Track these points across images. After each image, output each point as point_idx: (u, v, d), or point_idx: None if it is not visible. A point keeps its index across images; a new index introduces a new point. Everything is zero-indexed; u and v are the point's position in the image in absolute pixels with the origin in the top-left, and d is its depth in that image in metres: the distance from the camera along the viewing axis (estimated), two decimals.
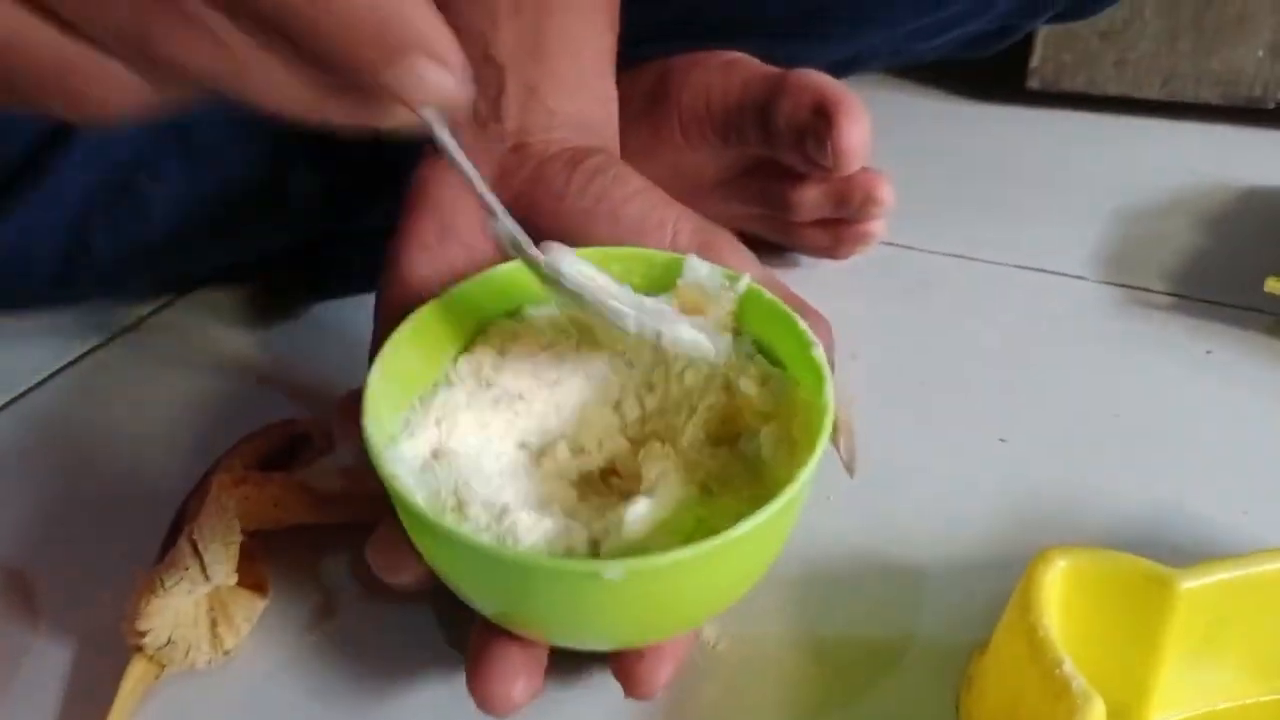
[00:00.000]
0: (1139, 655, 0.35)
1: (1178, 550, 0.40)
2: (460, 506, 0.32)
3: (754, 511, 0.29)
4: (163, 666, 0.37)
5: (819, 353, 0.35)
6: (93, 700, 0.36)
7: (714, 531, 0.29)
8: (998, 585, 0.37)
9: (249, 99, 0.25)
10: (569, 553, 0.32)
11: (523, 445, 0.37)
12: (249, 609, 0.39)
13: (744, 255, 0.41)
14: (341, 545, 0.43)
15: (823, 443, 0.32)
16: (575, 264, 0.33)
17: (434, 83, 0.25)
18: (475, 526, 0.32)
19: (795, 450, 0.34)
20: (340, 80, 0.25)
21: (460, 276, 0.38)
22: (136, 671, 0.36)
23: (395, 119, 0.27)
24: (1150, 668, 0.35)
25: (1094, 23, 0.74)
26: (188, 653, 0.37)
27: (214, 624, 0.38)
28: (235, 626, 0.38)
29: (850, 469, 0.36)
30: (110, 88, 0.24)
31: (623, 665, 0.33)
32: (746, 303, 0.37)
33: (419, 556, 0.33)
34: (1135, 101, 0.79)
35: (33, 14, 0.23)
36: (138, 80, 0.24)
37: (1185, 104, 0.79)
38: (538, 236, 0.41)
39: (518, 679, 0.32)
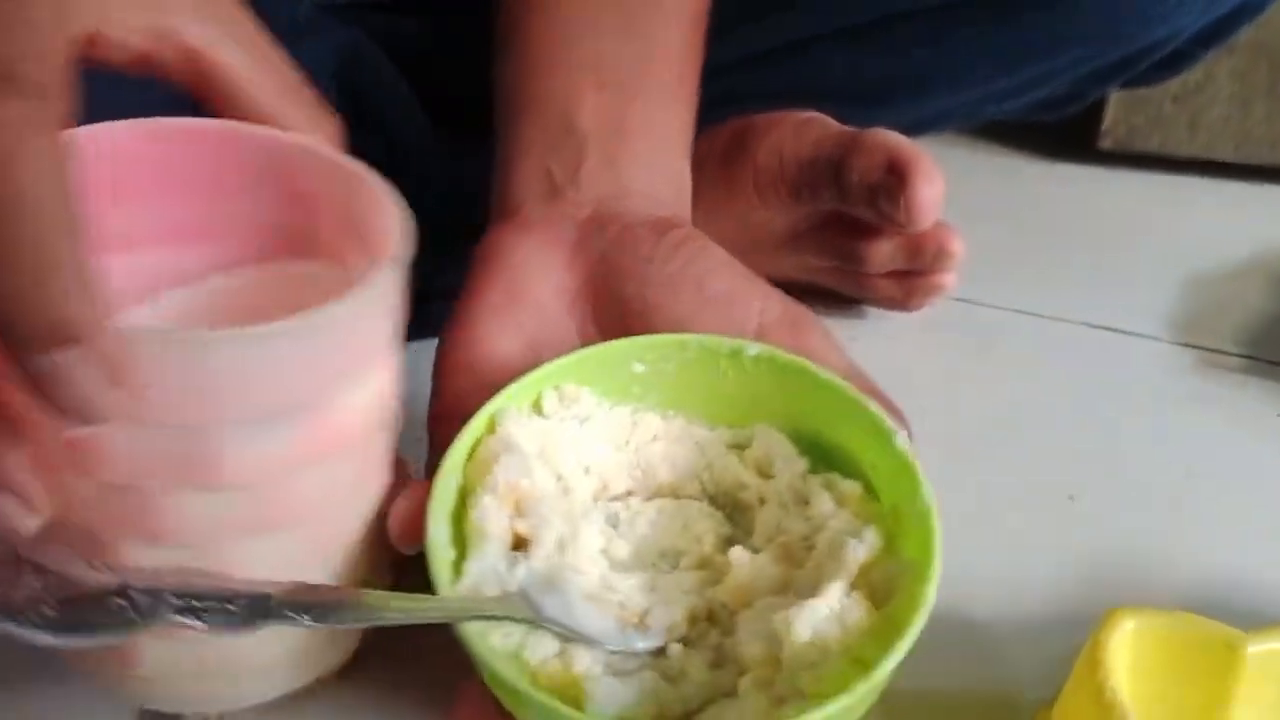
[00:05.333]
0: (1205, 717, 0.35)
1: (1247, 614, 0.40)
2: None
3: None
4: None
5: (902, 441, 0.35)
6: None
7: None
8: (1065, 644, 0.37)
9: None
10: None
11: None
12: None
13: (829, 342, 0.40)
14: None
15: (938, 555, 0.32)
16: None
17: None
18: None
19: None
20: None
21: (528, 337, 0.38)
22: None
23: None
24: None
25: (1167, 86, 0.74)
26: None
27: None
28: None
29: None
30: None
31: None
32: (819, 396, 0.37)
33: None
34: (1209, 164, 0.79)
35: None
36: None
37: (1260, 167, 0.79)
38: (620, 303, 0.41)
39: None
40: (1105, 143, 0.80)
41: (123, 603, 0.23)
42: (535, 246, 0.41)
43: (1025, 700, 0.39)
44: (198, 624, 0.24)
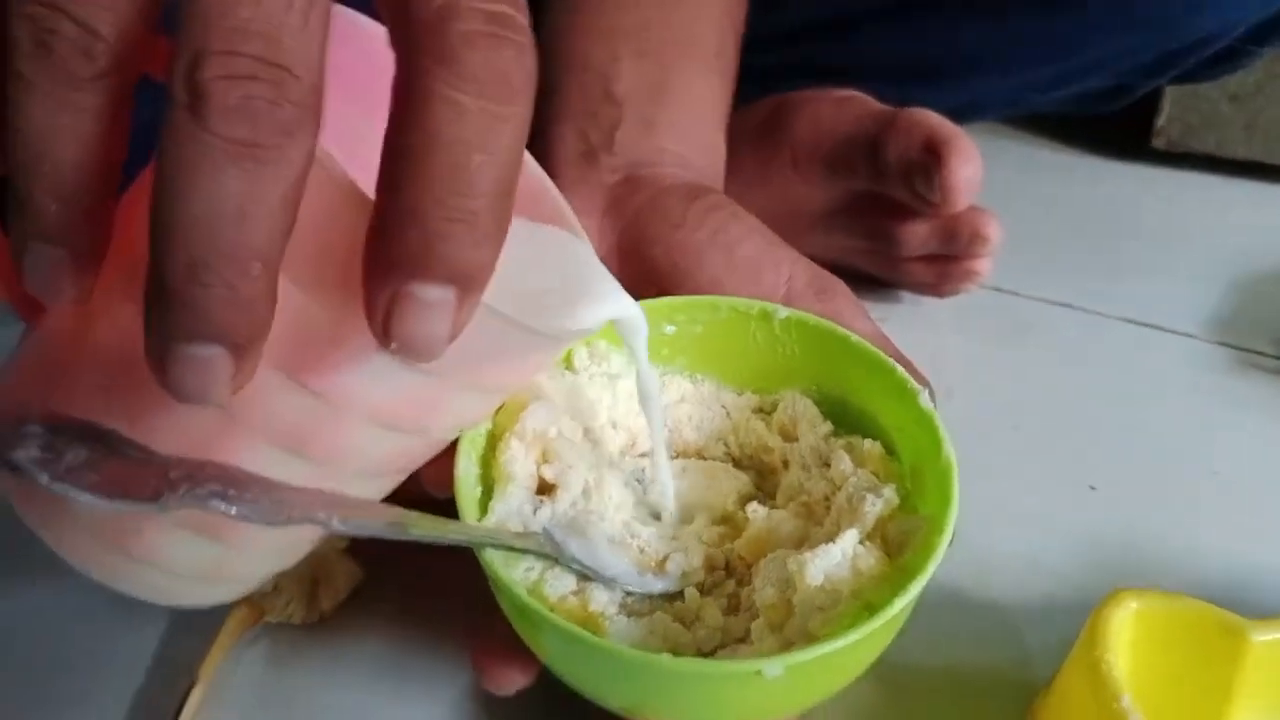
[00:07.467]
0: (1206, 704, 0.34)
1: (1262, 610, 0.39)
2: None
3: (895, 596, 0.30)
4: (263, 613, 0.40)
5: (926, 400, 0.35)
6: (198, 634, 0.40)
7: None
8: (1073, 627, 0.37)
9: None
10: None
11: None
12: (350, 576, 0.42)
13: (858, 308, 0.41)
14: None
15: (954, 508, 0.32)
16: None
17: None
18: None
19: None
20: None
21: None
22: (240, 613, 0.39)
23: None
24: (1217, 718, 0.34)
25: (1224, 85, 0.73)
26: (288, 604, 0.39)
27: (315, 584, 0.40)
28: (335, 590, 0.41)
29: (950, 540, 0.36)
30: None
31: None
32: (846, 359, 0.38)
33: (533, 659, 0.33)
34: (1264, 166, 0.77)
35: None
36: None
37: None
38: (649, 266, 0.42)
39: None
40: (1159, 141, 0.78)
41: (163, 477, 0.23)
42: None
43: (1030, 679, 0.39)
44: (231, 509, 0.24)
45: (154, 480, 0.23)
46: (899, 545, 0.33)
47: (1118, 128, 0.80)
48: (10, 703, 0.39)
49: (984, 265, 0.57)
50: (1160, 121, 0.78)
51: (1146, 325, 0.61)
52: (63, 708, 0.39)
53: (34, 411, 0.23)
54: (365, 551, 0.42)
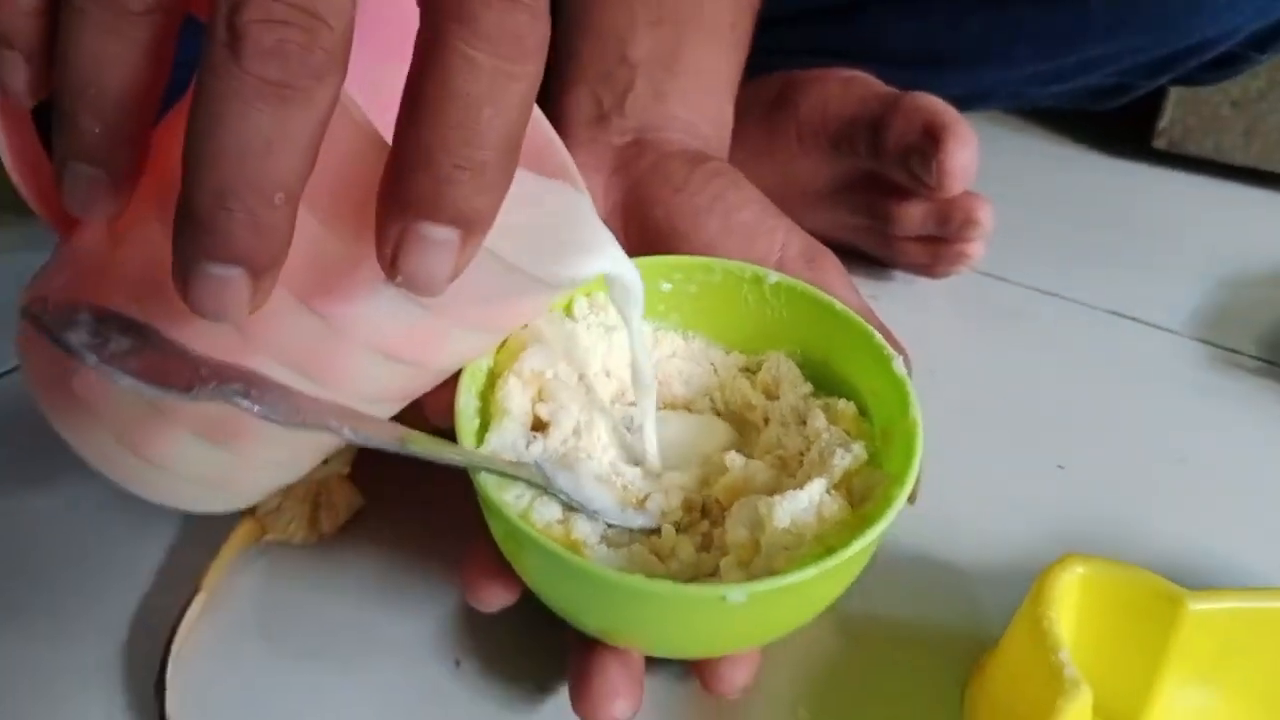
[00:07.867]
0: (1142, 668, 0.36)
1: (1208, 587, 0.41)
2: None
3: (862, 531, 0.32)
4: (266, 530, 0.42)
5: (899, 366, 0.37)
6: (202, 547, 0.42)
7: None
8: (1026, 593, 0.39)
9: None
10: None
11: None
12: (351, 501, 0.44)
13: (845, 279, 0.43)
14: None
15: (917, 464, 0.34)
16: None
17: None
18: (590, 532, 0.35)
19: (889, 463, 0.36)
20: None
21: None
22: (244, 528, 0.42)
23: None
24: (1151, 682, 0.36)
25: (1227, 90, 0.75)
26: (290, 524, 0.42)
27: (316, 506, 0.43)
28: (336, 513, 0.43)
29: (913, 499, 0.37)
30: None
31: (706, 666, 0.36)
32: (829, 324, 0.40)
33: (517, 580, 0.36)
34: (1261, 173, 0.79)
35: None
36: None
37: None
38: (649, 227, 0.44)
39: (618, 698, 0.34)
40: (1159, 142, 0.80)
41: (195, 371, 0.26)
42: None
43: (983, 637, 0.41)
44: (254, 407, 0.26)
45: (187, 373, 0.26)
46: (862, 498, 0.35)
47: (1120, 126, 0.82)
48: (17, 605, 0.41)
49: (976, 249, 0.59)
50: (1162, 123, 0.80)
51: (1131, 319, 0.63)
52: (69, 610, 0.41)
53: (82, 303, 0.26)
54: (365, 479, 0.45)
